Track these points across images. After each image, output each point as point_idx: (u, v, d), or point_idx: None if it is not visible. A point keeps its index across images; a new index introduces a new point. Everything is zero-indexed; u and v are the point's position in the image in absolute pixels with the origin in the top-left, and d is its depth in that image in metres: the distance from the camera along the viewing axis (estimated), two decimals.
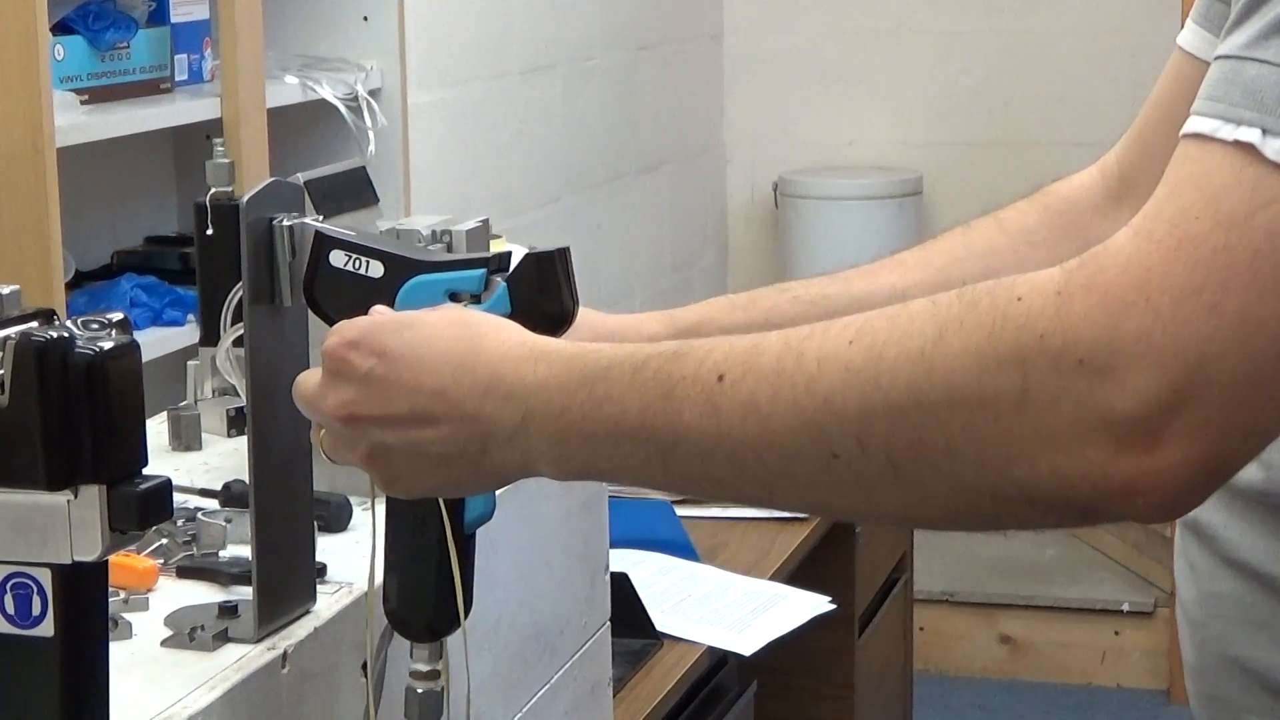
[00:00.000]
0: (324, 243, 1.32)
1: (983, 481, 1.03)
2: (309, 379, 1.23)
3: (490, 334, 1.19)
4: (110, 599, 1.27)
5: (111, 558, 1.14)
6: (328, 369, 1.21)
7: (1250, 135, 1.01)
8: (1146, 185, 1.41)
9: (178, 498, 1.57)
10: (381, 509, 1.32)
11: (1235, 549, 1.29)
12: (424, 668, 1.33)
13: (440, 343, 1.19)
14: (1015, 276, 1.04)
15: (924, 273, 1.48)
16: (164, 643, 1.35)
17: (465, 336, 1.19)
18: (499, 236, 2.16)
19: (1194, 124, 1.04)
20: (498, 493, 1.33)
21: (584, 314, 1.40)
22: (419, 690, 1.33)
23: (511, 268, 1.28)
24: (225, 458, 1.73)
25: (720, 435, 1.09)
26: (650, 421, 1.11)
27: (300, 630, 1.37)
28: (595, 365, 1.14)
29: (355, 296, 1.30)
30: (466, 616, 1.32)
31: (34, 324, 1.12)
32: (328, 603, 1.41)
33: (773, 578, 2.68)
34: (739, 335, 1.13)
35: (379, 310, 1.25)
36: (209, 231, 1.75)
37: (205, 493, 1.63)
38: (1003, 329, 1.01)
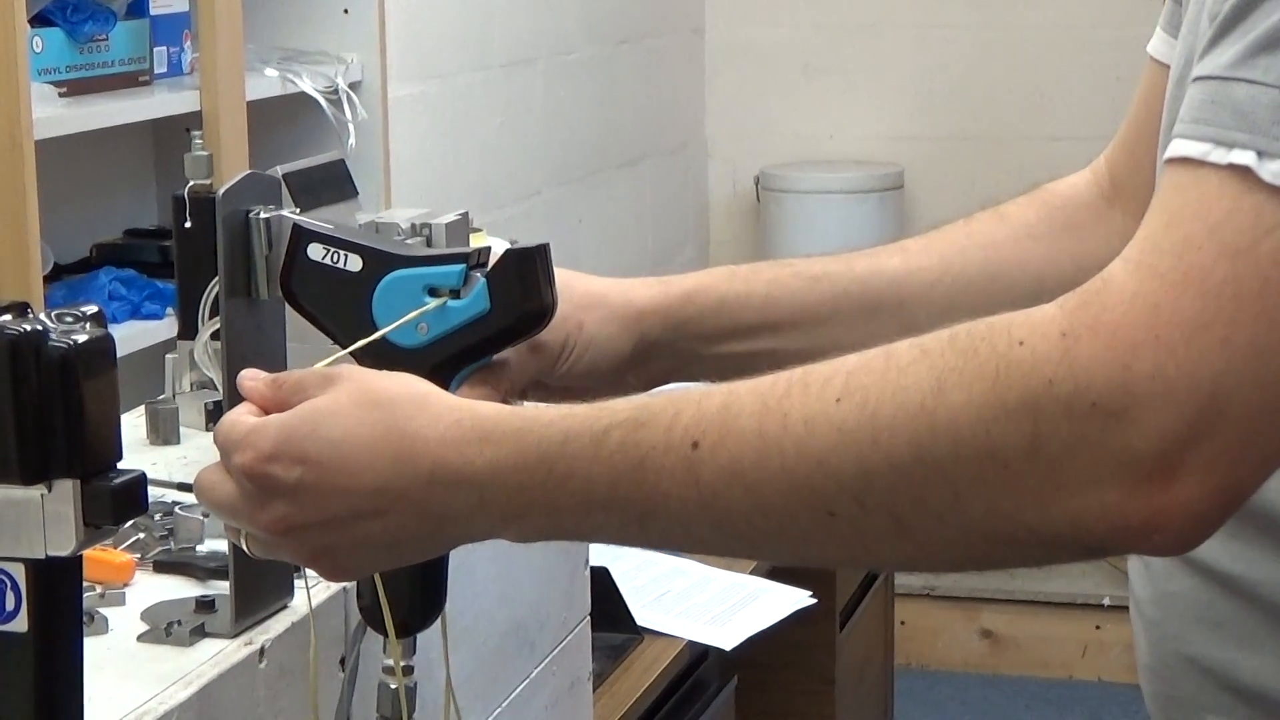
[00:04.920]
0: (302, 236, 1.31)
1: (992, 529, 1.01)
2: (221, 488, 1.16)
3: (414, 414, 1.13)
4: (86, 593, 1.26)
5: (88, 552, 1.13)
6: (251, 486, 1.14)
7: (1245, 158, 0.99)
8: (1134, 189, 1.41)
9: (155, 491, 1.56)
10: None
11: None
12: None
13: (363, 434, 1.12)
14: (1008, 317, 1.02)
15: (926, 259, 1.46)
16: (140, 638, 1.34)
17: (387, 422, 1.13)
18: (479, 230, 2.16)
19: (1181, 148, 1.02)
20: None
21: (569, 277, 1.38)
22: (392, 686, 1.33)
23: (491, 263, 1.28)
24: (203, 451, 1.73)
25: (703, 504, 1.06)
26: (623, 494, 1.08)
27: (277, 625, 1.37)
28: (548, 441, 1.09)
29: (333, 290, 1.29)
30: (441, 612, 1.32)
31: (7, 317, 1.11)
32: (305, 597, 1.40)
33: (753, 572, 2.68)
34: (701, 391, 1.09)
35: (276, 412, 1.16)
36: (187, 224, 1.74)
37: (183, 486, 1.62)
38: (1008, 376, 0.99)
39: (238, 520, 1.16)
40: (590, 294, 1.42)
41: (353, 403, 1.14)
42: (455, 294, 1.26)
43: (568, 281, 1.35)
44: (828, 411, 1.03)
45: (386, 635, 1.31)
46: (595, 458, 1.08)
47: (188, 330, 1.75)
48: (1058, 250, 1.46)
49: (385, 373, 1.18)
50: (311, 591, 1.40)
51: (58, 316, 1.12)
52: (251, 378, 1.19)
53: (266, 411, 1.16)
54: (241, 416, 1.16)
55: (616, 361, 1.40)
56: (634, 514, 1.08)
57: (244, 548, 1.18)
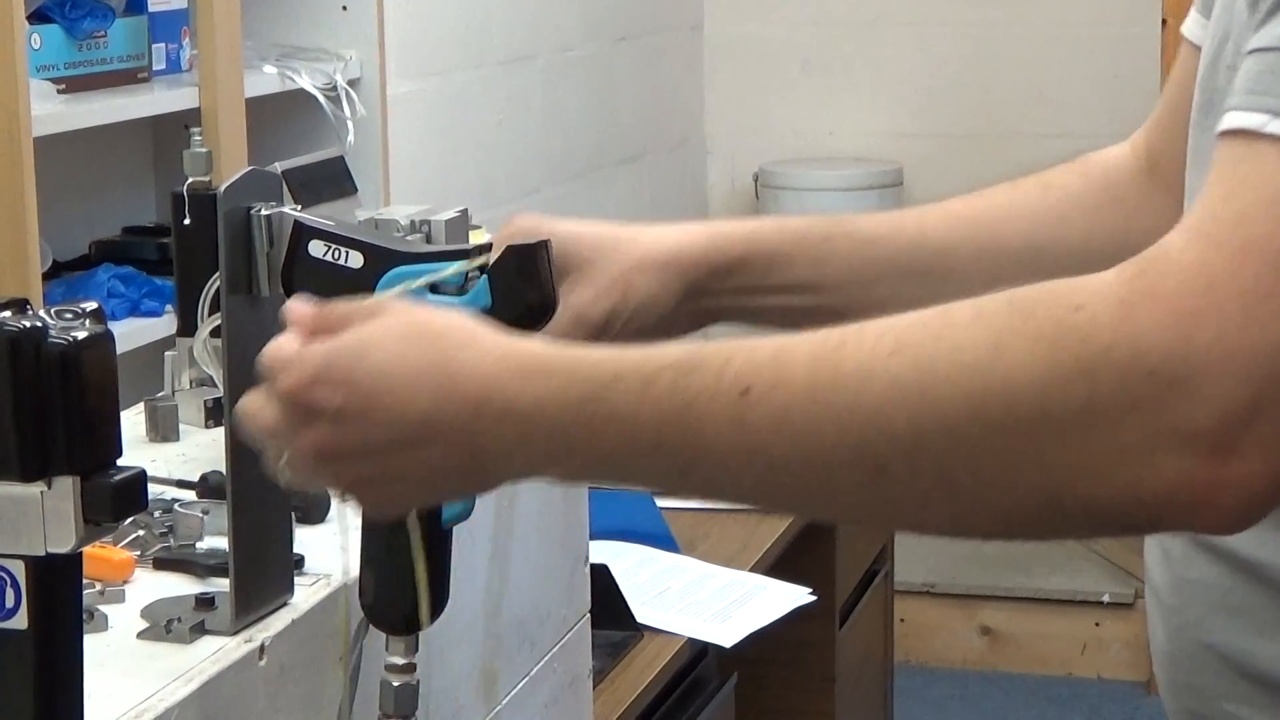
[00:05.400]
0: (303, 232, 1.31)
1: (1043, 495, 1.00)
2: (262, 413, 1.15)
3: (466, 344, 1.12)
4: (86, 591, 1.26)
5: (87, 549, 1.13)
6: (293, 410, 1.13)
7: None
8: (1171, 168, 1.39)
9: (155, 489, 1.56)
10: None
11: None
12: (400, 661, 1.32)
13: (410, 362, 1.12)
14: (1067, 282, 1.01)
15: (972, 228, 1.43)
16: (140, 635, 1.34)
17: (434, 353, 1.12)
18: (478, 227, 2.16)
19: (1237, 119, 1.02)
20: None
21: (608, 235, 1.38)
22: (394, 683, 1.33)
23: (492, 259, 1.28)
24: (203, 449, 1.73)
25: (750, 451, 1.05)
26: (667, 438, 1.07)
27: (278, 622, 1.36)
28: (596, 380, 1.08)
29: (334, 287, 1.29)
30: (443, 610, 1.31)
31: (7, 313, 1.11)
32: (305, 595, 1.40)
33: (753, 569, 2.68)
34: (754, 341, 1.08)
35: (327, 335, 1.15)
36: (186, 221, 1.74)
37: (182, 484, 1.62)
38: (1065, 340, 0.98)
39: (277, 444, 1.15)
40: (634, 254, 1.41)
41: (400, 332, 1.13)
42: (462, 289, 1.26)
43: (608, 240, 1.34)
44: (882, 364, 1.02)
45: (392, 632, 1.31)
46: (643, 398, 1.07)
47: (187, 327, 1.74)
48: (1101, 222, 1.44)
49: (433, 307, 1.18)
50: (312, 589, 1.40)
51: (57, 313, 1.11)
52: (299, 306, 1.18)
53: (312, 339, 1.15)
54: (287, 341, 1.15)
55: (663, 316, 1.40)
56: (679, 460, 1.07)
57: (282, 480, 1.17)
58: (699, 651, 2.51)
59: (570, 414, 1.08)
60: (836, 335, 1.05)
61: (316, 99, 3.17)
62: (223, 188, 1.33)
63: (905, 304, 1.07)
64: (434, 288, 1.27)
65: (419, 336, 1.13)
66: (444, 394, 1.11)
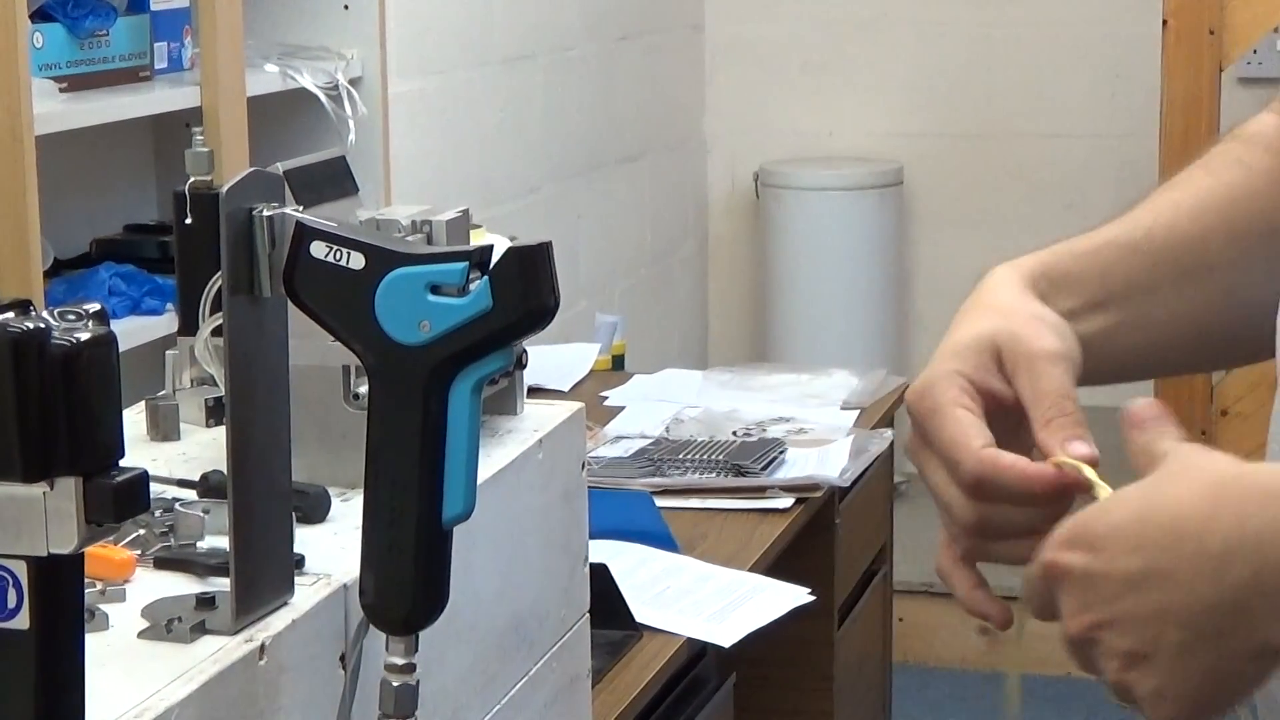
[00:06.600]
0: (305, 233, 1.31)
1: None
2: (1029, 593, 1.09)
3: (1191, 472, 1.02)
4: (87, 590, 1.26)
5: (88, 548, 1.13)
6: (1043, 584, 1.07)
7: None
8: None
9: (155, 488, 1.56)
10: (359, 501, 1.32)
11: None
12: (399, 661, 1.33)
13: (1137, 502, 1.03)
14: None
15: (1213, 219, 1.32)
16: (141, 634, 1.34)
17: (1155, 495, 1.02)
18: (479, 227, 2.16)
19: None
20: (478, 484, 1.32)
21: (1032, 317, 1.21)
22: (394, 683, 1.33)
23: (493, 261, 1.28)
24: (203, 448, 1.73)
25: None
26: None
27: (278, 622, 1.37)
28: None
29: (335, 288, 1.30)
30: (443, 609, 1.32)
31: (10, 314, 1.11)
32: (306, 594, 1.40)
33: (752, 569, 2.68)
34: None
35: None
36: (188, 221, 1.74)
37: (183, 483, 1.62)
38: None
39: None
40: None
41: (1147, 481, 1.04)
42: (463, 290, 1.27)
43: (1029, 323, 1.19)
44: None
45: (392, 633, 1.31)
46: None
47: (188, 326, 1.75)
48: None
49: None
50: (313, 588, 1.41)
51: (60, 314, 1.12)
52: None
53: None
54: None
55: None
56: None
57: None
58: (698, 651, 2.52)
59: None
60: None
61: (318, 98, 3.17)
62: (225, 188, 1.33)
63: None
64: (434, 288, 1.27)
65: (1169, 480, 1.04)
66: (1168, 536, 1.01)
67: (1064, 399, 1.14)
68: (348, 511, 1.54)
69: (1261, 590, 0.99)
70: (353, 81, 3.26)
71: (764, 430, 3.17)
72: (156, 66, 2.96)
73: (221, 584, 1.39)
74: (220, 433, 1.57)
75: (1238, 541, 0.99)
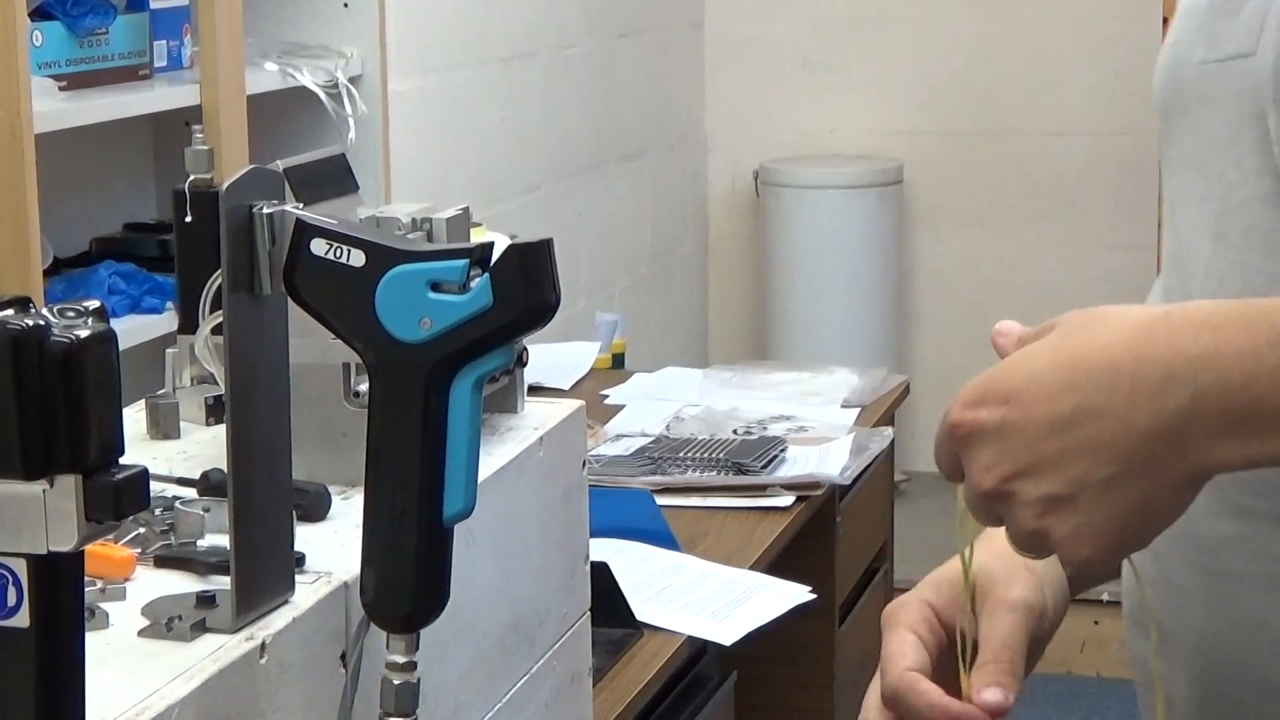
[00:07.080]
0: (305, 231, 1.31)
1: None
2: (940, 454, 1.08)
3: (1111, 320, 1.04)
4: (87, 588, 1.26)
5: (88, 546, 1.13)
6: (957, 443, 1.06)
7: None
8: None
9: (156, 486, 1.56)
10: (360, 499, 1.32)
11: None
12: (400, 659, 1.33)
13: (1052, 354, 1.04)
14: None
15: None
16: (141, 633, 1.34)
17: (1074, 344, 1.04)
18: (479, 225, 2.15)
19: None
20: (478, 482, 1.32)
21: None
22: (395, 682, 1.33)
23: (494, 258, 1.28)
24: (204, 446, 1.73)
25: None
26: None
27: (278, 620, 1.36)
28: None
29: (336, 285, 1.29)
30: (444, 607, 1.31)
31: (9, 312, 1.11)
32: (306, 593, 1.40)
33: (753, 567, 2.68)
34: None
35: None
36: (188, 219, 1.74)
37: (183, 481, 1.62)
38: None
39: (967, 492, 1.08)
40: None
41: (1052, 339, 1.06)
42: (463, 288, 1.26)
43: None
44: None
45: (393, 631, 1.31)
46: None
47: (188, 324, 1.74)
48: None
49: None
50: (313, 587, 1.40)
51: (60, 311, 1.11)
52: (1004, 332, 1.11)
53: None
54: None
55: None
56: None
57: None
58: (699, 649, 2.52)
59: (1254, 363, 0.99)
60: None
61: (318, 96, 3.17)
62: (225, 186, 1.33)
63: None
64: (435, 285, 1.27)
65: (1063, 337, 1.06)
66: (1094, 373, 1.02)
67: (1004, 648, 1.22)
68: (348, 510, 1.54)
69: (1196, 414, 1.01)
70: (352, 80, 3.26)
71: (764, 428, 3.17)
72: (156, 65, 2.96)
73: (222, 582, 1.38)
74: (220, 431, 1.56)
75: (1178, 367, 1.01)
